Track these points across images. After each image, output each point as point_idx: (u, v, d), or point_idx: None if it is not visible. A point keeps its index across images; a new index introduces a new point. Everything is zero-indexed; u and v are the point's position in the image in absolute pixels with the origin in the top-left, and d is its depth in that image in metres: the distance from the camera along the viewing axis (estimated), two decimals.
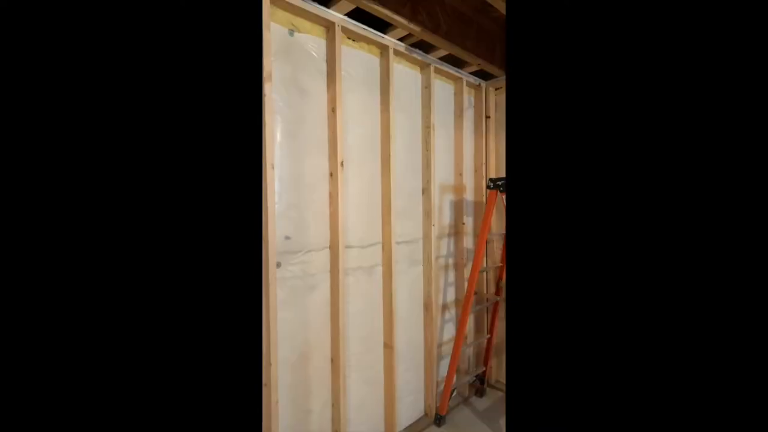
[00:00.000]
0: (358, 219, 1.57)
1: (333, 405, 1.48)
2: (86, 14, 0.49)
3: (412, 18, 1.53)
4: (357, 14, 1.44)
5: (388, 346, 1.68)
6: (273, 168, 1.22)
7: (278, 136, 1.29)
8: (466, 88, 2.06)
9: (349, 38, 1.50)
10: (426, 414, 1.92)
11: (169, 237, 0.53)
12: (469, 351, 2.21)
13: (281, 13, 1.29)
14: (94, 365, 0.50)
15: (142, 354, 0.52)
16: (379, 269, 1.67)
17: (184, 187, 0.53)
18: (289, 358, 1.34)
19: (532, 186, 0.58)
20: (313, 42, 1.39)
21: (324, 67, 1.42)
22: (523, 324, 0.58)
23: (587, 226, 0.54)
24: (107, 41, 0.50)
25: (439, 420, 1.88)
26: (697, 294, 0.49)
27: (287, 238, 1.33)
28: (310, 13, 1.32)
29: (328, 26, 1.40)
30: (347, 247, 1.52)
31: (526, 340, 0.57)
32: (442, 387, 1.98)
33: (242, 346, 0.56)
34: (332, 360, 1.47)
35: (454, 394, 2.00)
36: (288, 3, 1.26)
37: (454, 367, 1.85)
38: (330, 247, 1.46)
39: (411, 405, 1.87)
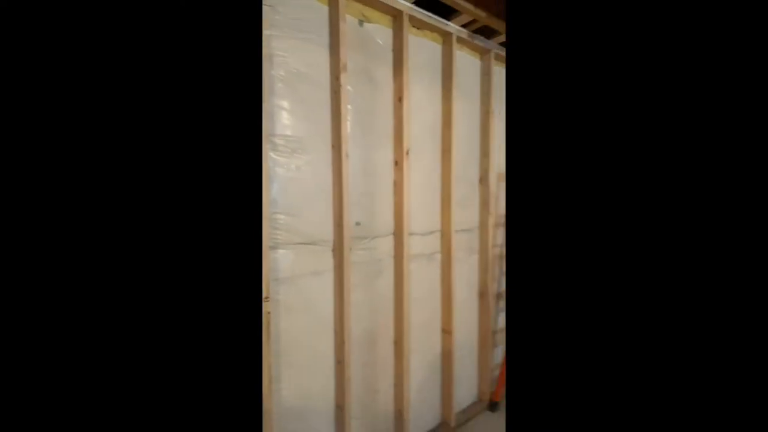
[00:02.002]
0: (419, 207, 1.59)
1: (395, 385, 1.54)
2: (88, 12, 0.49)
3: (478, 2, 1.51)
4: (422, 1, 1.43)
5: (447, 332, 1.71)
6: (347, 157, 1.26)
7: (349, 127, 1.33)
8: None
9: (414, 26, 1.50)
10: (480, 399, 1.95)
11: (165, 237, 0.52)
12: None
13: (354, 5, 1.31)
14: (95, 367, 0.50)
15: (140, 355, 0.51)
16: (439, 256, 1.69)
17: (180, 187, 0.52)
18: (358, 338, 1.41)
19: (533, 179, 0.56)
20: (380, 31, 1.40)
21: (390, 56, 1.44)
22: (524, 323, 0.57)
23: (589, 222, 0.53)
24: (107, 41, 0.50)
25: (493, 406, 1.90)
26: (698, 298, 0.48)
27: (357, 223, 1.38)
28: (380, 2, 1.33)
29: (396, 15, 1.40)
30: (410, 234, 1.55)
31: (526, 338, 0.57)
32: (496, 374, 2.00)
33: (243, 345, 0.54)
34: (395, 342, 1.53)
35: None
36: None
37: None
38: (394, 234, 1.50)
39: (466, 389, 1.90)
